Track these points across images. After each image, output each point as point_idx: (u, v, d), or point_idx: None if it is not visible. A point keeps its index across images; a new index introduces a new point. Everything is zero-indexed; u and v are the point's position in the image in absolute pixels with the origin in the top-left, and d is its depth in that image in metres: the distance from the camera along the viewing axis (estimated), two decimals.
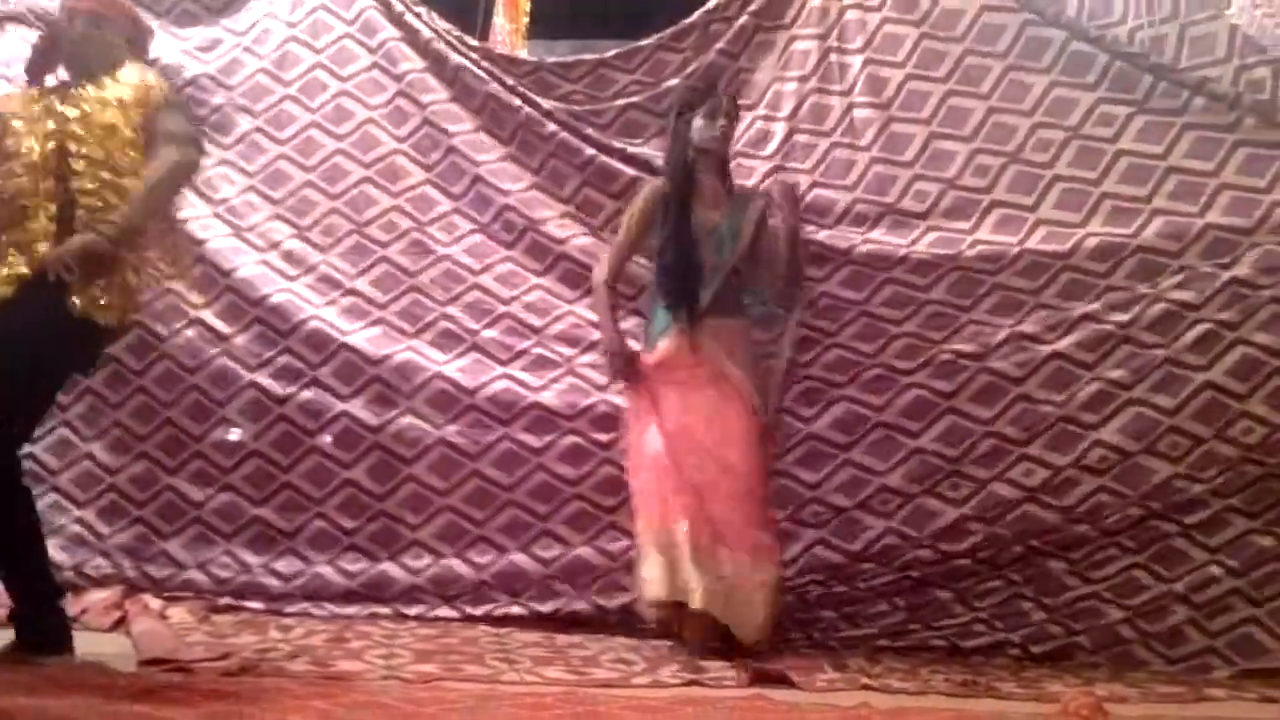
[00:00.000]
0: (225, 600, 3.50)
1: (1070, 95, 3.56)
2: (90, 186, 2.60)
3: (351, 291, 3.74)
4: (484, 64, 3.83)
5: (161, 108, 2.73)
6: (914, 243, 3.56)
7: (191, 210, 3.70)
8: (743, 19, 3.82)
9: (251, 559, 3.59)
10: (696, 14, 3.85)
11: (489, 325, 3.72)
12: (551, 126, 3.76)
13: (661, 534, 3.11)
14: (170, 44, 3.80)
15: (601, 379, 3.62)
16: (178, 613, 3.27)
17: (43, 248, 2.55)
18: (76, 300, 2.53)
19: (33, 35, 3.16)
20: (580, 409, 3.61)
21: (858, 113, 3.69)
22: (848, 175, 3.66)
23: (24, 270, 2.55)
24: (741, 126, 3.63)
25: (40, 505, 3.46)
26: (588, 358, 3.66)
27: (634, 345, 3.35)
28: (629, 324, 3.51)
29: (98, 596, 3.28)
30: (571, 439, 3.60)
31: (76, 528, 3.59)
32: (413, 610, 3.51)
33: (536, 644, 3.18)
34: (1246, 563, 3.26)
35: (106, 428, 3.65)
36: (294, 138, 3.85)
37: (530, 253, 3.76)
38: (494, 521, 3.60)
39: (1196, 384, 3.29)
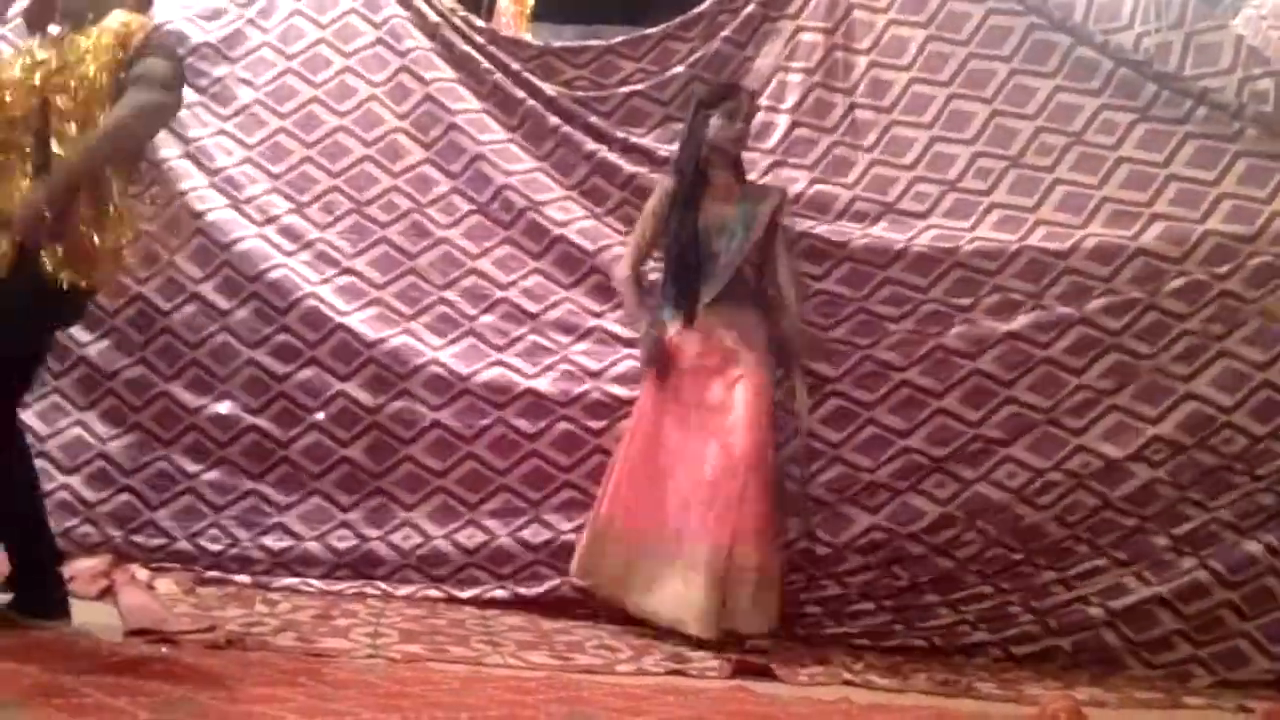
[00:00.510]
0: (212, 573, 3.50)
1: (1074, 100, 3.57)
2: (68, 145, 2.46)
3: (349, 271, 3.74)
4: (489, 48, 3.82)
5: (140, 48, 2.49)
6: (913, 239, 3.56)
7: (190, 181, 3.69)
8: (750, 8, 3.82)
9: (241, 533, 3.59)
10: (705, 3, 3.85)
11: (486, 311, 3.72)
12: (555, 119, 3.77)
13: (608, 521, 3.19)
14: (174, 9, 3.77)
15: (595, 366, 3.63)
16: (164, 583, 3.26)
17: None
18: (47, 262, 2.41)
19: None
20: (573, 396, 3.61)
21: (860, 113, 3.70)
22: (848, 173, 3.67)
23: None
24: None
25: None
26: (582, 345, 3.67)
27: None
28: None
29: (85, 565, 3.27)
30: (565, 426, 3.60)
31: (63, 494, 3.57)
32: (400, 590, 3.52)
33: (521, 628, 3.19)
34: (1234, 570, 3.27)
35: (100, 398, 3.64)
36: (295, 112, 3.83)
37: (529, 234, 3.76)
38: (486, 505, 3.61)
39: (1180, 393, 3.31)
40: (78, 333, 3.50)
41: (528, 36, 4.63)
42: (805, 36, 3.79)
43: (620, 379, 3.60)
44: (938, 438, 3.46)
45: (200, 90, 3.76)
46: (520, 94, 3.79)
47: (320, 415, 3.63)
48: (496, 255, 3.76)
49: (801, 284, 3.49)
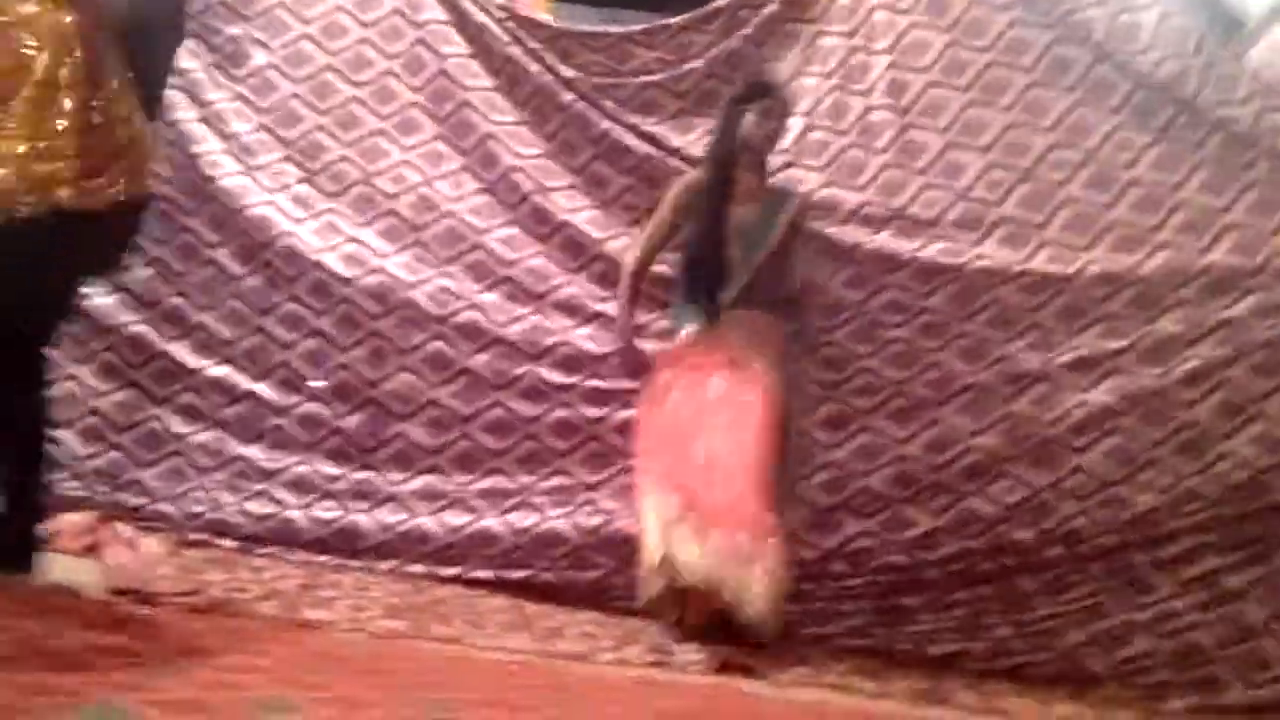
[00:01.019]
0: (197, 535, 3.49)
1: (1090, 118, 3.56)
2: None
3: (354, 240, 3.72)
4: (507, 24, 3.79)
5: None
6: (919, 249, 3.55)
7: (205, 145, 3.69)
8: (771, 7, 3.79)
9: (226, 497, 3.58)
10: None
11: (489, 289, 3.71)
12: (568, 96, 3.73)
13: (664, 507, 3.04)
14: None
15: (596, 350, 3.62)
16: (149, 543, 3.24)
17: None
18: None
19: None
20: (571, 381, 3.60)
21: (875, 114, 3.68)
22: (860, 176, 3.65)
23: None
24: None
25: None
26: (585, 330, 3.66)
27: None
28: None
29: (70, 520, 3.25)
30: (562, 411, 3.60)
31: (50, 447, 3.55)
32: (383, 564, 3.51)
33: (504, 610, 3.18)
34: (1215, 598, 3.28)
35: (95, 352, 3.61)
36: (309, 79, 3.81)
37: (534, 218, 3.75)
38: (475, 485, 3.60)
39: (1182, 419, 3.31)
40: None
41: (547, 17, 4.60)
42: (825, 41, 3.77)
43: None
44: (933, 448, 3.46)
45: (214, 49, 3.74)
46: (533, 72, 3.75)
47: (319, 383, 3.63)
48: (500, 235, 3.74)
49: (810, 287, 3.48)
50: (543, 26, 3.92)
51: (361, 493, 3.60)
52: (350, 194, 3.76)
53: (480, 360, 3.64)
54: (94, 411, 3.59)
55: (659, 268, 3.48)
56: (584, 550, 3.54)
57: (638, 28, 3.86)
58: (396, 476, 3.62)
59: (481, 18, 3.78)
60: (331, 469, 3.62)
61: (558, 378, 3.62)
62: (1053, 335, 3.45)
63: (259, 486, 3.59)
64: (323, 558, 3.49)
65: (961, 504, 3.44)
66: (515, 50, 3.76)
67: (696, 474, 3.06)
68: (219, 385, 3.63)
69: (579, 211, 3.72)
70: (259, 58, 3.80)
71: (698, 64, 3.79)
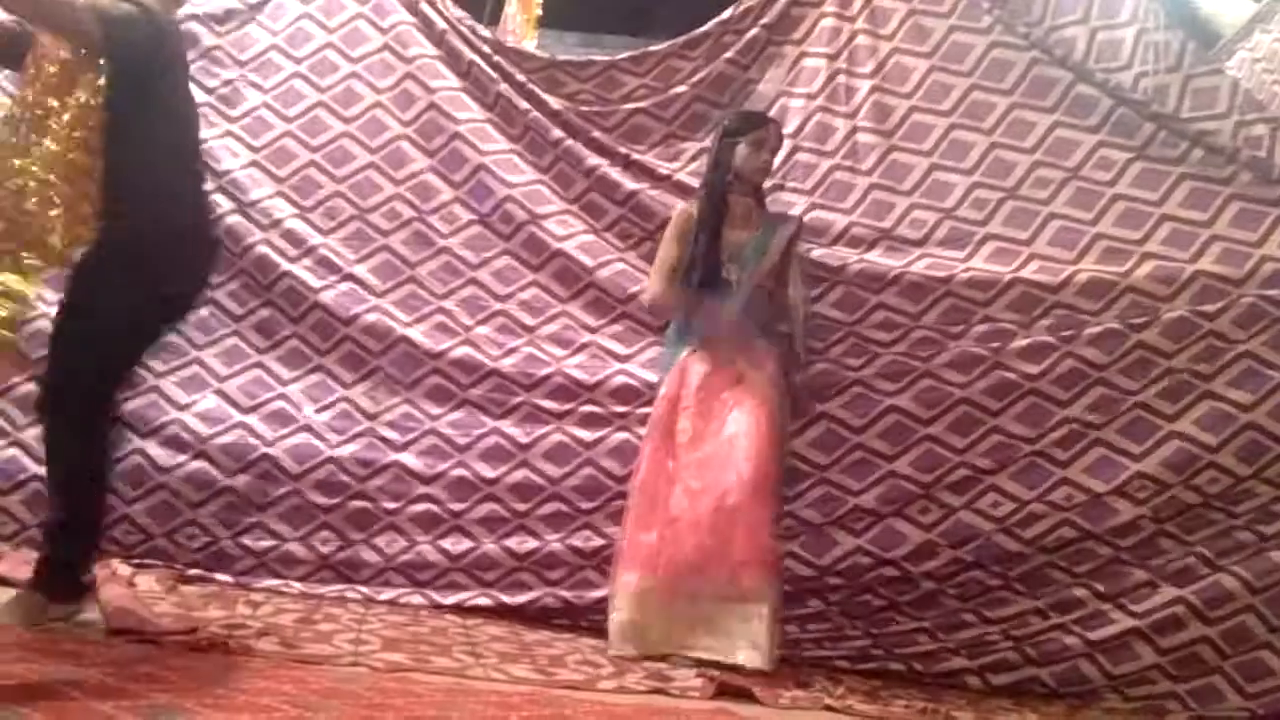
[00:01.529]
0: (193, 571, 3.48)
1: (1072, 136, 3.59)
2: None
3: (349, 276, 3.75)
4: (495, 58, 3.83)
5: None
6: (908, 266, 3.58)
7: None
8: (754, 31, 3.84)
9: (220, 531, 3.57)
10: (710, 24, 3.87)
11: (483, 322, 3.73)
12: (558, 132, 3.78)
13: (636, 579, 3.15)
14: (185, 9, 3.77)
15: (589, 379, 3.64)
16: (146, 580, 3.24)
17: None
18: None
19: None
20: (567, 409, 3.63)
21: (861, 137, 3.72)
22: (846, 198, 3.69)
23: None
24: None
25: (1, 459, 3.52)
26: (577, 359, 3.69)
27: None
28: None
29: None
30: (557, 438, 3.62)
31: (38, 485, 3.54)
32: (382, 595, 3.51)
33: (503, 638, 3.19)
34: (1212, 606, 3.29)
35: None
36: (301, 116, 3.85)
37: (528, 247, 3.78)
38: (471, 513, 3.61)
39: (1165, 431, 3.34)
40: None
41: (533, 46, 4.64)
42: (809, 62, 3.81)
43: (615, 394, 3.62)
44: (924, 464, 3.48)
45: (209, 91, 3.77)
46: (523, 105, 3.80)
47: (313, 415, 3.64)
48: (496, 266, 3.78)
49: (810, 309, 3.51)
50: (530, 57, 3.97)
51: (357, 522, 3.60)
52: (344, 229, 3.80)
53: (476, 393, 3.68)
54: None
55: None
56: (584, 571, 3.55)
57: (623, 56, 3.90)
58: (391, 506, 3.62)
59: (469, 52, 3.83)
60: (323, 499, 3.61)
61: (554, 406, 3.65)
62: (1040, 346, 3.47)
63: (254, 518, 3.58)
64: (321, 589, 3.49)
65: (951, 518, 3.45)
66: (505, 88, 3.81)
67: (709, 514, 3.07)
68: (206, 417, 3.63)
69: (571, 238, 3.75)
70: (253, 98, 3.84)
71: (684, 89, 3.83)
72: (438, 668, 2.65)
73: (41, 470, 3.48)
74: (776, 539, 3.19)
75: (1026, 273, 3.50)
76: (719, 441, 3.18)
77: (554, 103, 3.80)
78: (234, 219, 3.72)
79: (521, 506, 3.60)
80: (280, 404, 3.67)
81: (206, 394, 3.65)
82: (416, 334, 3.71)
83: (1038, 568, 3.42)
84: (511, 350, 3.71)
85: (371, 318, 3.71)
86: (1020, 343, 3.46)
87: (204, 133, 3.69)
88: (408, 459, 3.64)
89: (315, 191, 3.81)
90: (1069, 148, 3.58)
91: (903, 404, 3.52)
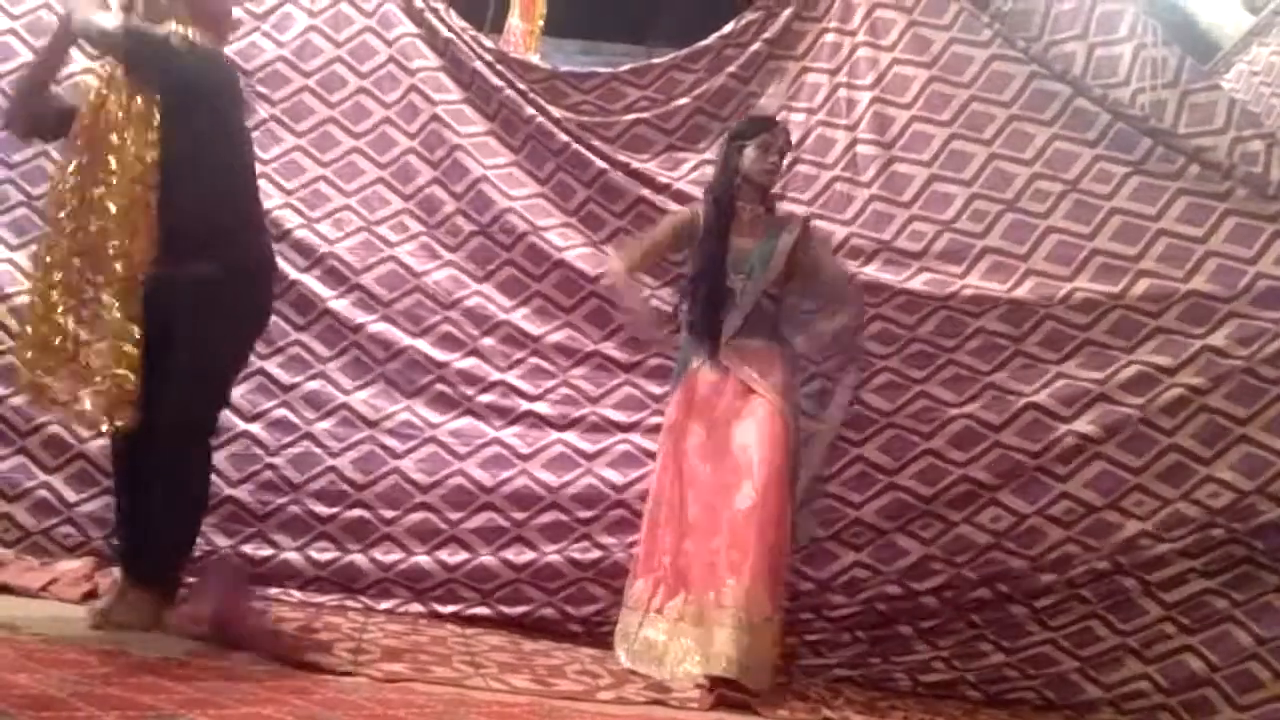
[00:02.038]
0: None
1: (1070, 150, 3.62)
2: None
3: (358, 287, 3.78)
4: (498, 67, 3.85)
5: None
6: (906, 280, 3.60)
7: None
8: (756, 45, 3.86)
9: (220, 540, 3.58)
10: (711, 37, 3.89)
11: (487, 334, 3.75)
12: (562, 138, 3.79)
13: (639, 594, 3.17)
14: None
15: (593, 390, 3.66)
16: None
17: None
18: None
19: None
20: (571, 419, 3.65)
21: (861, 149, 3.74)
22: (846, 210, 3.71)
23: None
24: None
25: (7, 466, 3.51)
26: (581, 369, 3.71)
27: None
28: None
29: (68, 567, 3.26)
30: (559, 449, 3.64)
31: (43, 493, 3.56)
32: (381, 604, 3.52)
33: (503, 648, 3.19)
34: (1201, 620, 3.32)
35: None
36: (310, 131, 3.87)
37: (529, 257, 3.79)
38: (468, 523, 3.63)
39: (1163, 445, 3.36)
40: None
41: (536, 57, 4.66)
42: (810, 78, 3.84)
43: (619, 405, 3.65)
44: (925, 478, 3.50)
45: None
46: (526, 115, 3.81)
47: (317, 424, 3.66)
48: (499, 278, 3.80)
49: (852, 284, 3.52)
50: (534, 68, 3.97)
51: (355, 532, 3.62)
52: (351, 240, 3.81)
53: (481, 403, 3.71)
54: (83, 455, 3.58)
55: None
56: (582, 583, 3.56)
57: (625, 68, 3.92)
58: (389, 514, 3.63)
59: (472, 62, 3.85)
60: (323, 509, 3.62)
61: (556, 417, 3.68)
62: (1038, 364, 3.49)
63: (254, 528, 3.59)
64: (320, 598, 3.50)
65: (951, 533, 3.47)
66: (508, 94, 3.82)
67: (720, 527, 3.07)
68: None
69: (572, 248, 3.77)
70: (261, 110, 3.84)
71: (685, 101, 3.85)
72: (438, 678, 2.66)
73: (45, 478, 3.55)
74: (788, 549, 3.18)
75: (1022, 291, 3.52)
76: (730, 451, 3.18)
77: (555, 112, 3.81)
78: None
79: (520, 516, 3.62)
80: (282, 412, 3.69)
81: None
82: (424, 344, 3.75)
83: (1033, 580, 3.43)
84: (517, 361, 3.73)
85: (381, 327, 3.75)
86: (1015, 360, 3.50)
87: None
88: (407, 465, 3.66)
89: (323, 205, 3.83)
90: (1068, 160, 3.61)
91: (901, 420, 3.55)
